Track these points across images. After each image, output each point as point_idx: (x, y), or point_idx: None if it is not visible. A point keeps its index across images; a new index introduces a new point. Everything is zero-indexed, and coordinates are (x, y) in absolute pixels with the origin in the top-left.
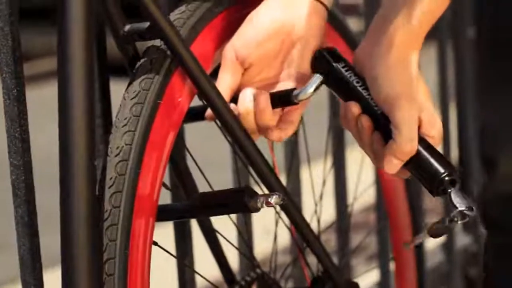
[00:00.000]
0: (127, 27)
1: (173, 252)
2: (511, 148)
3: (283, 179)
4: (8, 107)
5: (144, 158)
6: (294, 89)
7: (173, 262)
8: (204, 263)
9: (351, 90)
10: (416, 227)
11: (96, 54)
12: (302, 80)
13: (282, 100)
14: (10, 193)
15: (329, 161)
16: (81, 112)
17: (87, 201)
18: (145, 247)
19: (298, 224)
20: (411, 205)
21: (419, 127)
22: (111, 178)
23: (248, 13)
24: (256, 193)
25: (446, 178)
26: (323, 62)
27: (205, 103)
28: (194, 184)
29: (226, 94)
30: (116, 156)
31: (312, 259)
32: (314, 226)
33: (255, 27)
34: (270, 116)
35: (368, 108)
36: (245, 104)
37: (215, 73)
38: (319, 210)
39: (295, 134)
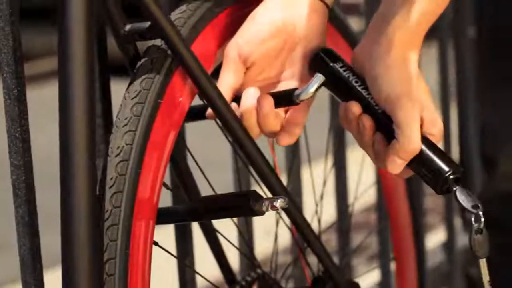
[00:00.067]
0: (127, 27)
1: (174, 252)
2: (511, 148)
3: (283, 179)
4: (8, 107)
5: (145, 158)
6: (296, 89)
7: (173, 262)
8: (205, 263)
9: (350, 90)
10: (417, 227)
11: (96, 53)
12: (304, 79)
13: (284, 100)
14: (10, 193)
15: (330, 161)
16: (82, 112)
17: (87, 201)
18: (146, 247)
19: (299, 224)
20: (411, 205)
21: (421, 126)
22: (111, 178)
23: (249, 11)
24: (261, 196)
25: (451, 176)
26: (320, 63)
27: (206, 102)
28: (195, 184)
29: (228, 94)
30: (116, 156)
31: (312, 259)
32: (314, 226)
33: (257, 26)
34: (273, 120)
35: (368, 108)
36: (248, 105)
37: (216, 72)
38: (319, 210)
39: None
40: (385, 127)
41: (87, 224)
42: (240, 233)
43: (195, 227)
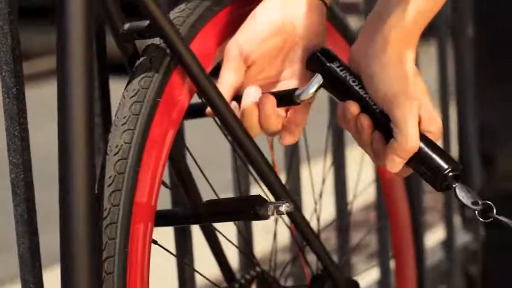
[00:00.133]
0: (126, 26)
1: (173, 250)
2: (510, 147)
3: (283, 178)
4: (7, 105)
5: (144, 157)
6: (296, 89)
7: (173, 260)
8: (204, 262)
9: (347, 89)
10: (416, 225)
11: (95, 52)
12: (304, 79)
13: (284, 100)
14: (9, 192)
15: (329, 160)
16: (81, 110)
17: (86, 199)
18: (145, 246)
19: (298, 223)
20: (411, 203)
21: (419, 124)
22: (110, 177)
23: (249, 10)
24: (266, 200)
25: (450, 173)
26: (317, 63)
27: (205, 101)
28: (194, 183)
29: (228, 92)
30: (115, 154)
31: (312, 258)
32: (314, 224)
33: (258, 25)
34: (275, 120)
35: (366, 107)
36: (249, 104)
37: (215, 71)
38: (319, 208)
39: None
40: (383, 126)
41: (86, 223)
42: (239, 231)
43: (195, 225)
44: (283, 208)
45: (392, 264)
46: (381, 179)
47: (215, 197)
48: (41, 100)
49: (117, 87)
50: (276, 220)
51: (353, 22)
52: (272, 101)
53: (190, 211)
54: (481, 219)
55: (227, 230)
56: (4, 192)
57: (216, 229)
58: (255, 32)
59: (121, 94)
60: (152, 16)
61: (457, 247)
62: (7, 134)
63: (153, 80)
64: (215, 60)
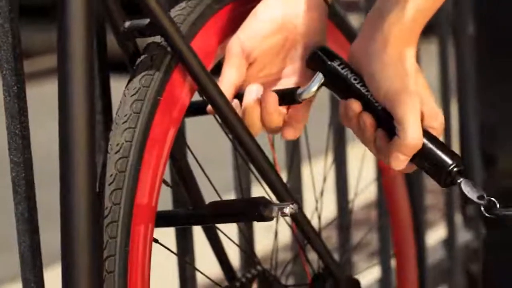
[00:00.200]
0: (127, 24)
1: (174, 249)
2: (510, 145)
3: (283, 176)
4: (8, 103)
5: (144, 155)
6: (298, 87)
7: (173, 259)
8: (205, 260)
9: (349, 87)
10: (417, 223)
11: (96, 51)
12: (305, 77)
13: (286, 98)
14: (10, 190)
15: (330, 158)
16: (81, 109)
17: (87, 198)
18: (146, 244)
19: (299, 221)
20: (412, 202)
21: (421, 120)
22: (111, 175)
23: (250, 8)
24: (270, 202)
25: (454, 169)
26: (318, 61)
27: (206, 99)
28: (195, 181)
29: (230, 90)
30: (116, 153)
31: (313, 256)
32: (315, 222)
33: (259, 22)
34: (277, 118)
35: (368, 105)
36: (251, 101)
37: (216, 69)
38: (320, 206)
39: None
40: (386, 124)
41: (87, 221)
42: (240, 230)
43: None
44: (288, 210)
45: (393, 262)
46: (383, 177)
47: (216, 195)
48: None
49: (118, 85)
50: (277, 219)
51: (354, 20)
52: (274, 98)
53: (193, 212)
54: (486, 214)
55: (228, 229)
56: (4, 191)
57: (217, 228)
58: (256, 30)
59: (122, 92)
60: (153, 14)
61: (458, 245)
62: (8, 132)
63: (154, 78)
64: (216, 58)
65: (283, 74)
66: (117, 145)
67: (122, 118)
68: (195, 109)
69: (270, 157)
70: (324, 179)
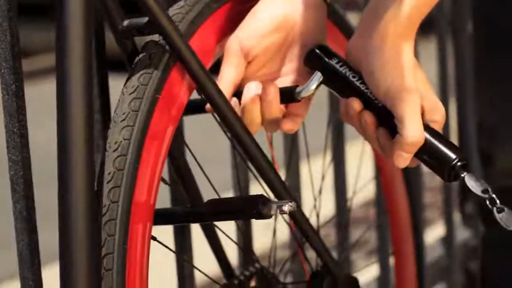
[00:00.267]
0: (125, 22)
1: (172, 247)
2: (508, 144)
3: (282, 174)
4: (6, 102)
5: (143, 153)
6: (297, 86)
7: (172, 257)
8: (203, 258)
9: (348, 85)
10: (416, 221)
11: (94, 49)
12: (304, 75)
13: (285, 97)
14: (8, 189)
15: (329, 156)
16: (80, 107)
17: (85, 196)
18: (144, 242)
19: (298, 219)
20: (410, 200)
21: (422, 115)
22: (109, 173)
23: (250, 7)
24: (269, 200)
25: (458, 163)
26: (316, 60)
27: (204, 98)
28: (193, 179)
29: (228, 89)
30: (114, 151)
31: (311, 254)
32: (313, 221)
33: (258, 21)
34: (277, 107)
35: (368, 103)
36: (252, 95)
37: (215, 67)
38: (318, 204)
39: None
40: (387, 121)
41: (85, 219)
42: (239, 228)
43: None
44: (286, 207)
45: (391, 260)
46: (381, 176)
47: (215, 193)
48: (41, 97)
49: (116, 84)
50: (275, 217)
51: (353, 18)
52: (275, 87)
53: (192, 210)
54: (490, 206)
55: (226, 226)
56: (3, 190)
57: (215, 226)
58: (255, 28)
59: (120, 91)
60: (151, 13)
61: (457, 243)
62: (6, 131)
63: (152, 76)
64: (215, 56)
65: (281, 73)
66: (116, 143)
67: (121, 116)
68: (194, 108)
69: (269, 155)
70: (323, 177)
